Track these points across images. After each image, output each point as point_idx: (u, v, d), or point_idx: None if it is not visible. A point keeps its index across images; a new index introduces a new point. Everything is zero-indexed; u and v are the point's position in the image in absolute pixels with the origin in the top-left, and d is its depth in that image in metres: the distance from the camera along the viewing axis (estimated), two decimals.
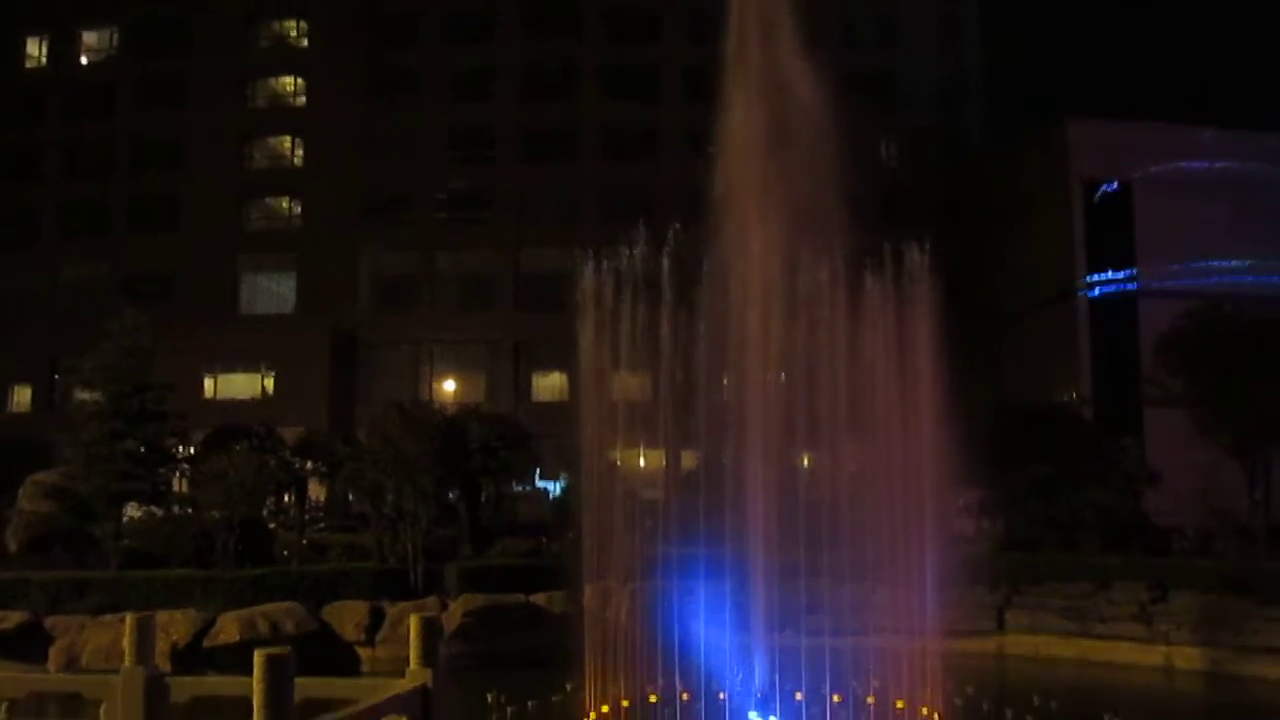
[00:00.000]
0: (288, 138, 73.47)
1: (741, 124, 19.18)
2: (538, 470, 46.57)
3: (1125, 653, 26.96)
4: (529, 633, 25.50)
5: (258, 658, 6.92)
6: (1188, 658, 26.19)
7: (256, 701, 6.78)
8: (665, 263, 19.39)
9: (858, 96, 56.02)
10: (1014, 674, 25.12)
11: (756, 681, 17.27)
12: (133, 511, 34.40)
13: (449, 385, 68.05)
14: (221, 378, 67.09)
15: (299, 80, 74.18)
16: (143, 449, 32.29)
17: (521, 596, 28.46)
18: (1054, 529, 32.29)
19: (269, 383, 67.10)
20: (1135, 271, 60.93)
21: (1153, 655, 26.68)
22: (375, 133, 70.01)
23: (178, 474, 35.63)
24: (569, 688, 19.44)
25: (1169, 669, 26.25)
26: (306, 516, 40.38)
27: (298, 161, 73.14)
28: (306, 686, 8.66)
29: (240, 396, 65.16)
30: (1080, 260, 62.06)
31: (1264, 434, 32.67)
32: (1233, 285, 54.75)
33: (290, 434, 39.05)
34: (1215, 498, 31.55)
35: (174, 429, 34.27)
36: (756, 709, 16.73)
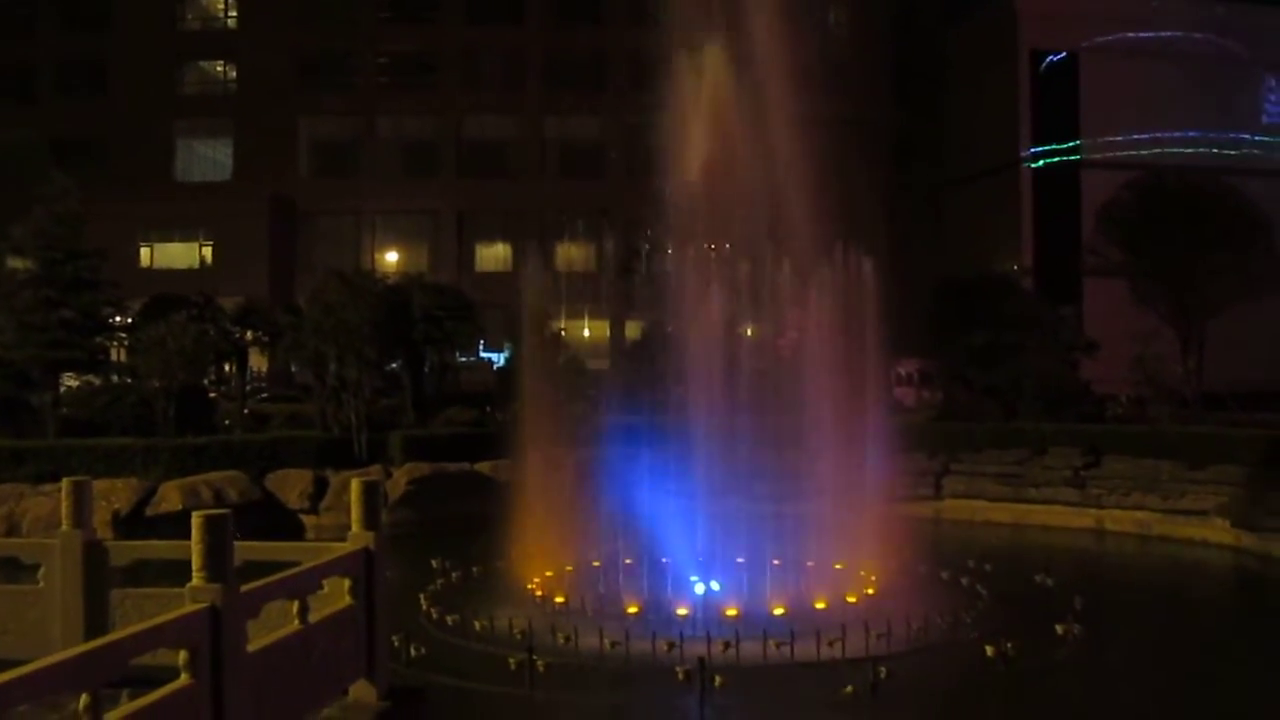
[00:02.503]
0: None
1: None
2: (482, 341, 46.47)
3: (1059, 516, 27.65)
4: (474, 500, 25.61)
5: (196, 519, 6.86)
6: (1118, 520, 26.95)
7: (195, 563, 6.74)
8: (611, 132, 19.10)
9: None
10: (951, 538, 25.66)
11: (698, 546, 17.54)
12: (70, 381, 33.98)
13: (391, 256, 67.29)
14: (158, 246, 65.91)
15: None
16: (78, 317, 31.71)
17: (466, 465, 28.58)
18: (993, 397, 32.79)
19: (207, 252, 66.00)
20: (1079, 143, 61.06)
21: (1085, 518, 27.42)
22: None
23: (115, 343, 35.12)
24: (513, 553, 19.65)
25: (1100, 531, 27.01)
26: (248, 386, 40.13)
27: (231, 23, 70.88)
28: (248, 550, 8.65)
29: (178, 266, 64.10)
30: (1025, 130, 62.08)
31: (1199, 303, 33.23)
32: (1176, 157, 55.08)
33: (230, 303, 38.54)
34: (1150, 365, 32.13)
35: (110, 297, 33.63)
36: (698, 573, 17.01)
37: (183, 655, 6.43)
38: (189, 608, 6.63)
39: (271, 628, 7.80)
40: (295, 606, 7.89)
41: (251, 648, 7.17)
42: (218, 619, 6.64)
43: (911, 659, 14.46)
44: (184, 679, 6.42)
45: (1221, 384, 36.41)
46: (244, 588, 7.16)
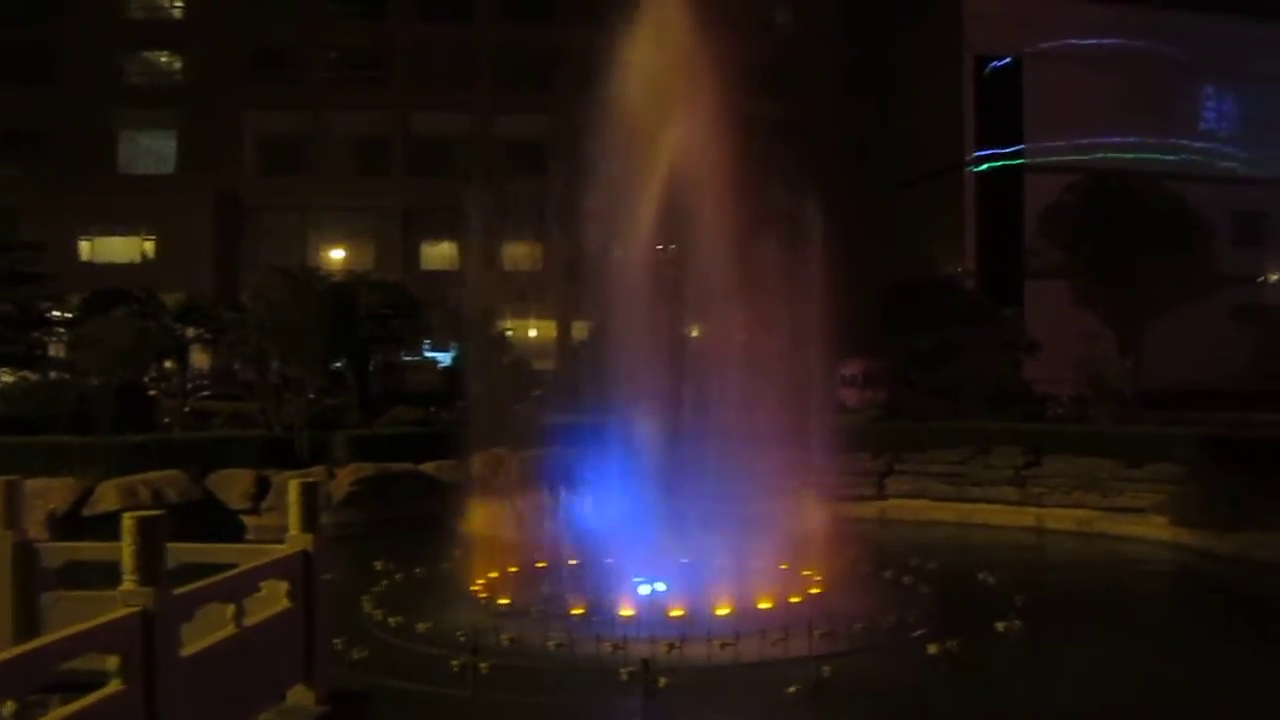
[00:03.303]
0: None
1: None
2: (428, 340, 46.23)
3: (1001, 515, 27.95)
4: (418, 501, 25.48)
5: (127, 520, 6.72)
6: (1058, 519, 27.29)
7: (127, 565, 6.60)
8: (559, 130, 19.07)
9: None
10: (894, 537, 25.86)
11: (643, 547, 17.52)
12: (6, 376, 33.41)
13: (337, 253, 66.74)
14: (99, 240, 65.01)
15: None
16: (14, 311, 31.17)
17: (411, 465, 28.39)
18: (937, 397, 33.08)
19: (149, 246, 65.13)
20: (1022, 146, 61.72)
21: (1025, 517, 27.74)
22: None
23: (53, 338, 34.59)
24: (458, 555, 19.57)
25: (1041, 529, 27.33)
26: (190, 384, 39.68)
27: (178, 14, 69.99)
28: (183, 551, 8.49)
29: (119, 260, 63.24)
30: (970, 133, 62.63)
31: (1139, 305, 33.72)
32: (1117, 161, 55.83)
33: (172, 299, 38.10)
34: (1090, 365, 32.57)
35: (48, 291, 33.11)
36: (643, 573, 17.00)
37: (114, 660, 6.31)
38: (120, 611, 6.50)
39: (207, 631, 7.68)
40: (231, 610, 7.77)
41: (185, 652, 7.05)
42: (150, 623, 6.52)
43: (855, 658, 14.54)
44: (115, 684, 6.29)
45: (1160, 384, 36.99)
46: (178, 591, 7.03)
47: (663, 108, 18.50)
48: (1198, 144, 65.64)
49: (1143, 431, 28.42)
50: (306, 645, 8.85)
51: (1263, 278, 63.72)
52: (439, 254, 67.47)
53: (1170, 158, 61.49)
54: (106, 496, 24.87)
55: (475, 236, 20.78)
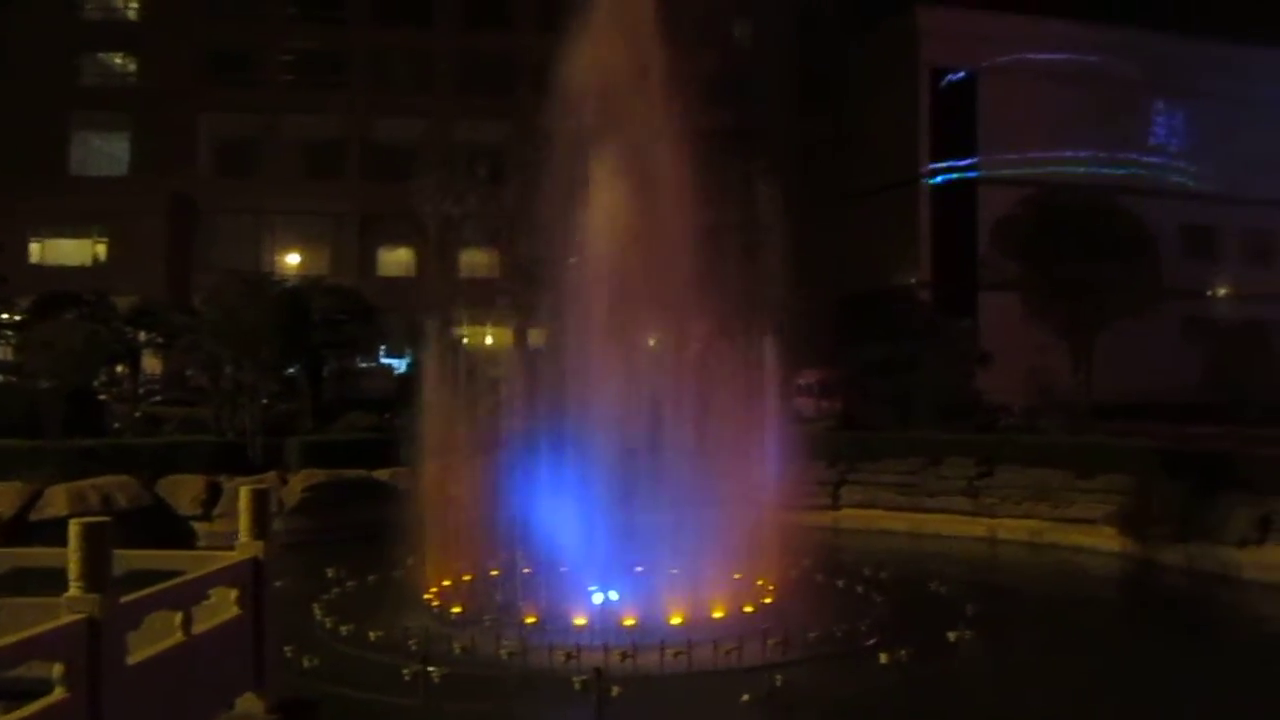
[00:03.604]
0: None
1: None
2: (383, 346, 46.03)
3: (953, 525, 28.16)
4: (371, 508, 25.28)
5: (73, 527, 6.67)
6: (1010, 529, 27.54)
7: (72, 572, 6.55)
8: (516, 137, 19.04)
9: None
10: (848, 547, 25.99)
11: (597, 555, 17.50)
12: None
13: (293, 257, 66.28)
14: (50, 242, 64.14)
15: None
16: None
17: (364, 472, 28.23)
18: (891, 407, 33.28)
19: (101, 249, 64.35)
20: (977, 159, 62.29)
21: (978, 527, 27.96)
22: None
23: (1, 341, 34.12)
24: (411, 562, 19.48)
25: (993, 539, 27.58)
26: (141, 389, 39.26)
27: (133, 15, 69.28)
28: (131, 558, 8.44)
29: (70, 263, 62.42)
30: (924, 146, 63.10)
31: (1089, 316, 34.12)
32: (1069, 175, 56.48)
33: (124, 302, 37.69)
34: (1042, 377, 32.89)
35: None
36: (596, 582, 16.98)
37: (58, 668, 6.25)
38: (65, 619, 6.44)
39: (155, 639, 7.61)
40: (179, 617, 7.71)
41: (132, 660, 6.99)
42: (96, 630, 6.47)
43: (807, 667, 14.62)
44: (59, 692, 6.24)
45: (1111, 396, 37.42)
46: (125, 598, 6.97)
47: (619, 117, 18.52)
48: (1148, 159, 66.56)
49: (1094, 443, 28.73)
50: (256, 653, 8.81)
51: (1211, 291, 64.62)
52: (396, 260, 67.17)
53: (1121, 172, 62.31)
54: (55, 501, 24.51)
55: (432, 242, 20.69)
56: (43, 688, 6.29)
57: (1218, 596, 21.61)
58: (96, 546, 6.63)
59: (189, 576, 8.19)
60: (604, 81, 18.65)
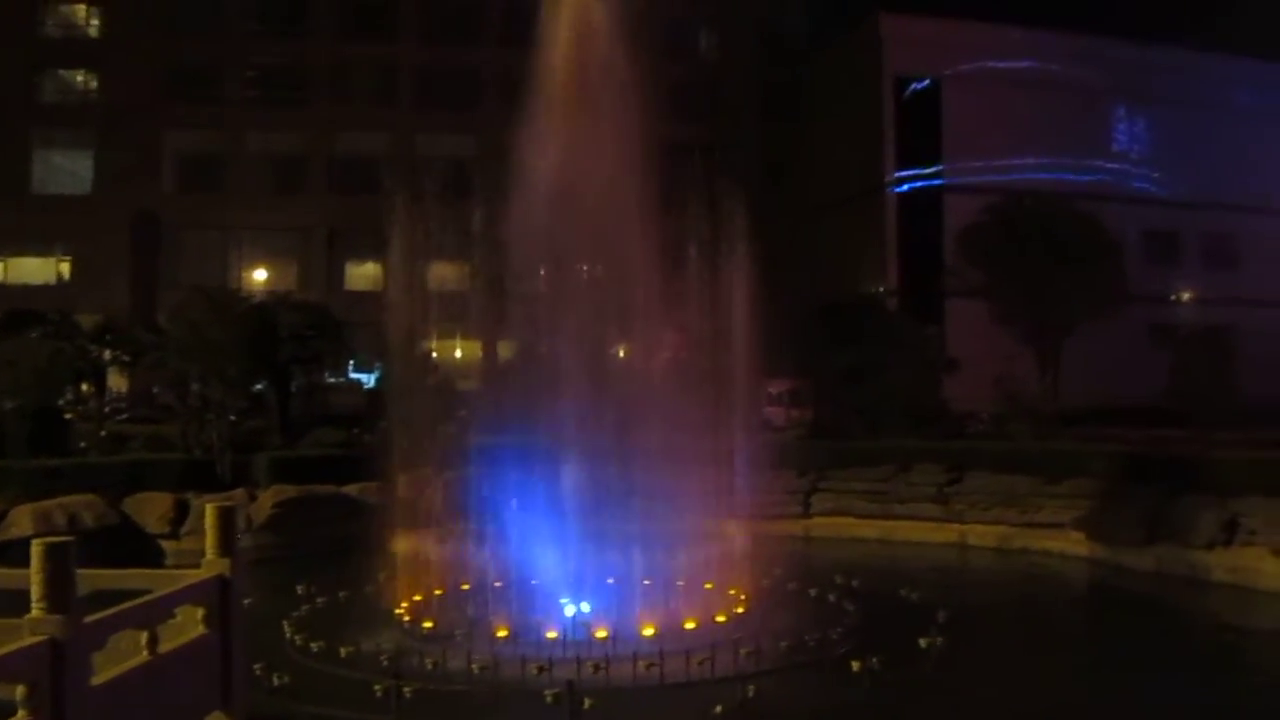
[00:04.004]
0: (83, 6, 68.97)
1: (559, 11, 18.80)
2: (351, 361, 45.77)
3: (923, 532, 28.26)
4: (341, 524, 25.15)
5: (36, 547, 6.60)
6: (979, 535, 27.66)
7: (35, 593, 6.48)
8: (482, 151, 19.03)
9: None
10: (819, 555, 26.02)
11: (568, 567, 17.46)
12: None
13: (260, 273, 65.93)
14: (12, 261, 63.79)
15: None
16: None
17: (334, 487, 28.04)
18: (860, 415, 33.38)
19: (65, 267, 63.95)
20: (942, 167, 62.68)
21: (948, 533, 28.07)
22: (179, 2, 66.18)
23: None
24: (381, 578, 19.36)
25: (963, 545, 27.68)
26: (107, 407, 38.92)
27: (94, 32, 68.82)
28: (96, 578, 8.36)
29: (34, 281, 62.08)
30: (890, 155, 63.46)
31: (1054, 323, 34.36)
32: (1033, 182, 56.89)
33: (88, 320, 37.37)
34: (1009, 383, 33.07)
35: None
36: (568, 594, 16.94)
37: (21, 690, 6.17)
38: (27, 640, 6.37)
39: (120, 659, 7.54)
40: (145, 637, 7.64)
41: (96, 681, 6.92)
42: (59, 651, 6.39)
43: (780, 677, 14.60)
44: (22, 715, 6.16)
45: (1079, 401, 37.65)
46: (89, 618, 6.90)
47: (584, 130, 18.52)
48: (1111, 165, 67.21)
49: (1062, 448, 28.91)
50: (224, 671, 8.73)
51: (1175, 296, 65.23)
52: (363, 274, 66.91)
53: (1084, 178, 62.86)
54: (20, 521, 24.17)
55: (399, 256, 20.62)
56: (7, 709, 6.21)
57: (1187, 599, 21.74)
58: (59, 567, 6.56)
59: (154, 595, 8.11)
60: (569, 95, 18.67)
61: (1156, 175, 67.92)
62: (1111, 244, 35.93)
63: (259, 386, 33.76)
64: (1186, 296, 65.69)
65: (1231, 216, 67.64)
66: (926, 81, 63.36)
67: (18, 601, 8.56)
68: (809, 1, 69.62)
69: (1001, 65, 62.55)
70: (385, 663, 14.72)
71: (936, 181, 62.53)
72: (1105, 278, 34.70)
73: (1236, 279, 67.55)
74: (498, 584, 17.76)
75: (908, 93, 63.55)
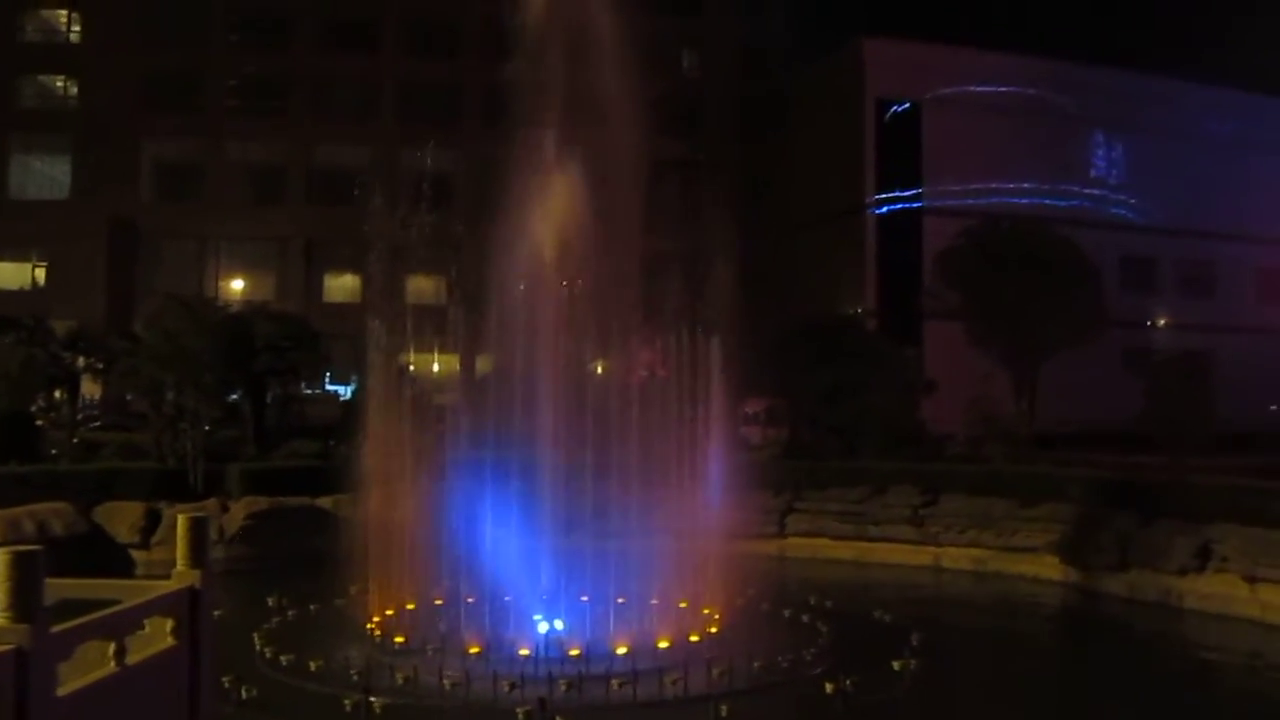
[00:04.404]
0: (64, 11, 68.65)
1: (540, 27, 18.81)
2: (328, 373, 45.57)
3: (898, 554, 28.25)
4: (314, 536, 24.97)
5: (2, 555, 6.48)
6: (954, 557, 27.67)
7: (0, 602, 6.37)
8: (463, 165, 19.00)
9: (661, 5, 55.85)
10: (794, 575, 25.99)
11: (542, 584, 17.38)
12: None
13: (237, 283, 65.62)
14: None
15: None
16: None
17: (307, 499, 27.90)
18: (837, 435, 33.37)
19: (40, 273, 63.50)
20: (921, 190, 62.93)
21: (923, 555, 28.07)
22: (160, 10, 65.89)
23: None
24: (353, 591, 19.24)
25: (938, 568, 27.70)
26: (80, 415, 38.58)
27: (74, 38, 68.49)
28: (64, 587, 8.22)
29: (8, 286, 61.68)
30: (870, 176, 63.67)
31: (1032, 346, 34.48)
32: (1012, 206, 57.23)
33: (62, 327, 37.03)
34: (986, 406, 33.12)
35: None
36: (542, 611, 16.85)
37: None
38: None
39: (87, 670, 7.43)
40: (112, 648, 7.52)
41: (62, 692, 6.80)
42: (24, 661, 6.28)
43: (753, 697, 14.55)
44: None
45: (1054, 425, 37.75)
46: (56, 628, 6.79)
47: (565, 146, 18.52)
48: (1089, 190, 67.64)
49: (1037, 472, 28.92)
50: (191, 684, 8.61)
51: (1151, 321, 65.60)
52: (342, 286, 66.66)
53: (1062, 203, 63.26)
54: None
55: (378, 269, 20.55)
56: None
57: (1159, 625, 21.76)
58: (26, 575, 6.45)
59: (123, 606, 7.99)
60: (551, 111, 18.67)
61: (1134, 202, 68.38)
62: (1089, 269, 36.12)
63: (234, 396, 33.56)
64: (1163, 322, 66.05)
65: (1208, 243, 68.17)
66: (907, 104, 63.66)
67: None
68: (791, 20, 69.90)
69: (982, 90, 62.92)
70: (355, 677, 14.62)
71: (916, 204, 62.76)
72: (1082, 302, 34.88)
73: (1212, 305, 68.09)
74: (470, 599, 17.67)
75: (889, 115, 63.84)
